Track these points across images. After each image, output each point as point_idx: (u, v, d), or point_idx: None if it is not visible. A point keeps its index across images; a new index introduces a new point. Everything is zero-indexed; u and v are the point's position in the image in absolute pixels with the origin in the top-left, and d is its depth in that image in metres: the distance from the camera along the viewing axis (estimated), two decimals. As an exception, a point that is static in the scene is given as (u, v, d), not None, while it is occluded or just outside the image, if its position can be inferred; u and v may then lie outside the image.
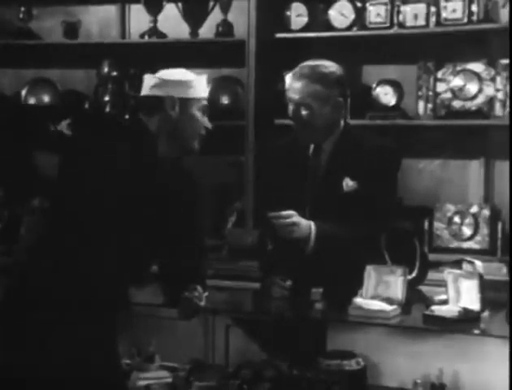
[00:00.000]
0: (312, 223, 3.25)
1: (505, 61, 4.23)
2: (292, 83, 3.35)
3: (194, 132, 3.02)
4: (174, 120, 2.98)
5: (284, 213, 3.23)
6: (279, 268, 3.30)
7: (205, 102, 3.05)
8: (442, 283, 3.10)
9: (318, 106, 3.31)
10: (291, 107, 3.34)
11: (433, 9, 4.34)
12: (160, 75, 3.02)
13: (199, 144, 3.05)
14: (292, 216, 3.23)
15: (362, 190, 3.30)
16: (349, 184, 3.32)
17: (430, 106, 4.42)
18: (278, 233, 3.24)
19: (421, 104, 4.44)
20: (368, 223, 3.22)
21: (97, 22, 5.17)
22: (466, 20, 4.26)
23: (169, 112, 2.97)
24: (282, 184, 3.40)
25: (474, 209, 4.41)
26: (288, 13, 4.56)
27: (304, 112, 3.31)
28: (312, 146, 3.40)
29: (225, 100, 4.77)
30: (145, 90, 3.02)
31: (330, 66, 3.35)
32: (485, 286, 2.99)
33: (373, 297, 3.07)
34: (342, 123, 3.41)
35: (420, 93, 4.44)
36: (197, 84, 3.01)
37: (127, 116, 4.77)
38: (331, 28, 4.51)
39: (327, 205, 3.31)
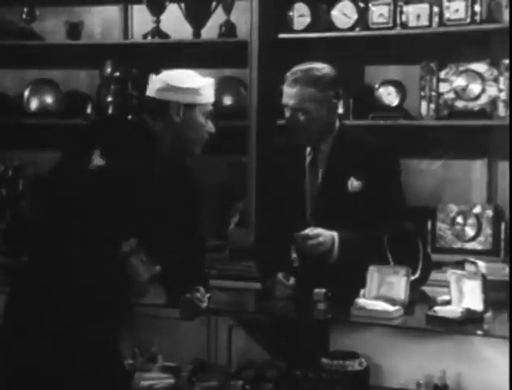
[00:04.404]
0: (335, 235, 3.25)
1: (508, 61, 4.22)
2: (286, 89, 3.33)
3: (198, 138, 3.01)
4: (178, 125, 2.96)
5: (312, 233, 3.22)
6: (280, 267, 3.30)
7: (210, 107, 3.02)
8: (445, 284, 3.10)
9: (315, 110, 3.29)
10: (287, 113, 3.32)
11: (436, 9, 4.33)
12: (166, 79, 2.96)
13: (201, 148, 3.04)
14: (320, 236, 3.23)
15: (367, 190, 3.30)
16: (354, 184, 3.32)
17: (433, 106, 4.41)
18: (304, 252, 3.23)
19: (424, 104, 4.43)
20: (380, 223, 3.21)
21: (100, 22, 5.17)
22: (468, 20, 4.25)
23: (173, 117, 2.95)
24: (281, 185, 3.39)
25: (477, 209, 4.40)
26: (290, 13, 4.56)
27: (302, 117, 3.30)
28: (309, 148, 3.40)
29: (228, 100, 4.77)
30: (151, 92, 2.99)
31: (322, 68, 3.33)
32: (488, 286, 2.98)
33: (376, 298, 3.07)
34: (337, 123, 3.41)
35: (423, 94, 4.43)
36: (205, 90, 2.98)
37: (129, 117, 4.76)
38: (333, 28, 4.50)
39: (329, 206, 3.30)
